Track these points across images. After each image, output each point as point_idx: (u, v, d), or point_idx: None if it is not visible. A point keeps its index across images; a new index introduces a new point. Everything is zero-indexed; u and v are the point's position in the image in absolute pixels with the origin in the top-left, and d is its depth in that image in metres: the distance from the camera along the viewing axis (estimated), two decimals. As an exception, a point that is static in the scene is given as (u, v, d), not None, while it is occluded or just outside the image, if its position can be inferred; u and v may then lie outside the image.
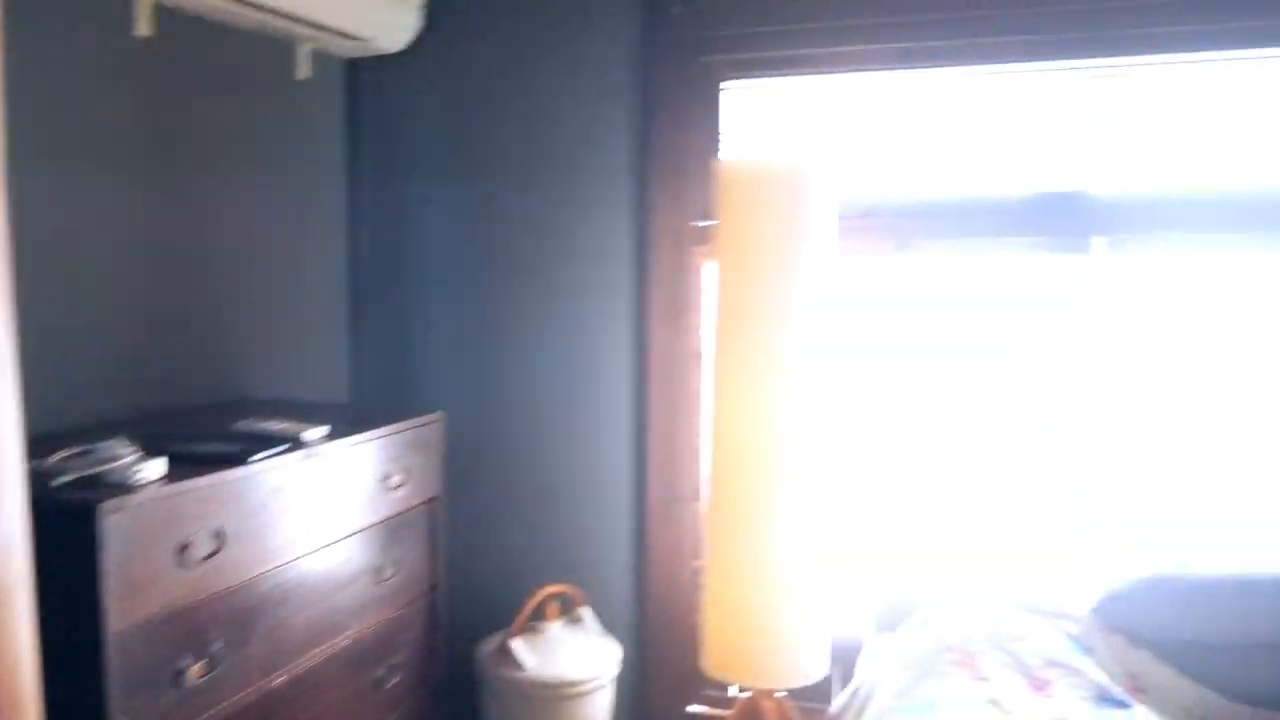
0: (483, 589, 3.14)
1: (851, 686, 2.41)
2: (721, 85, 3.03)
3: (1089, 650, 2.27)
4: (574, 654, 2.86)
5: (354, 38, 2.83)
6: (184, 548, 1.88)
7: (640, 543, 3.12)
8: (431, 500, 2.73)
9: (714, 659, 2.59)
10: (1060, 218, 2.88)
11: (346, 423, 2.45)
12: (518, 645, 2.81)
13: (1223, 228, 2.79)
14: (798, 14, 2.89)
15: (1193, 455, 2.90)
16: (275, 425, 2.29)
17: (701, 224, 3.01)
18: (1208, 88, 2.82)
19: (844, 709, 2.36)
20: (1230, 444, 2.87)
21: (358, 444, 2.40)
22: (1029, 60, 2.85)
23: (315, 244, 3.15)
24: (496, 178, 3.17)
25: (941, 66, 2.90)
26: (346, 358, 3.30)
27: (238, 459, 2.03)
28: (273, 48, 2.87)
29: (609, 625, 3.03)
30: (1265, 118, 2.78)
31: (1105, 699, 2.14)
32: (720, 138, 3.06)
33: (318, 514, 2.26)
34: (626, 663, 3.01)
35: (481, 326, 3.22)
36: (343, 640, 2.38)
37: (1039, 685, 2.16)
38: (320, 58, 3.04)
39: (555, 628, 2.90)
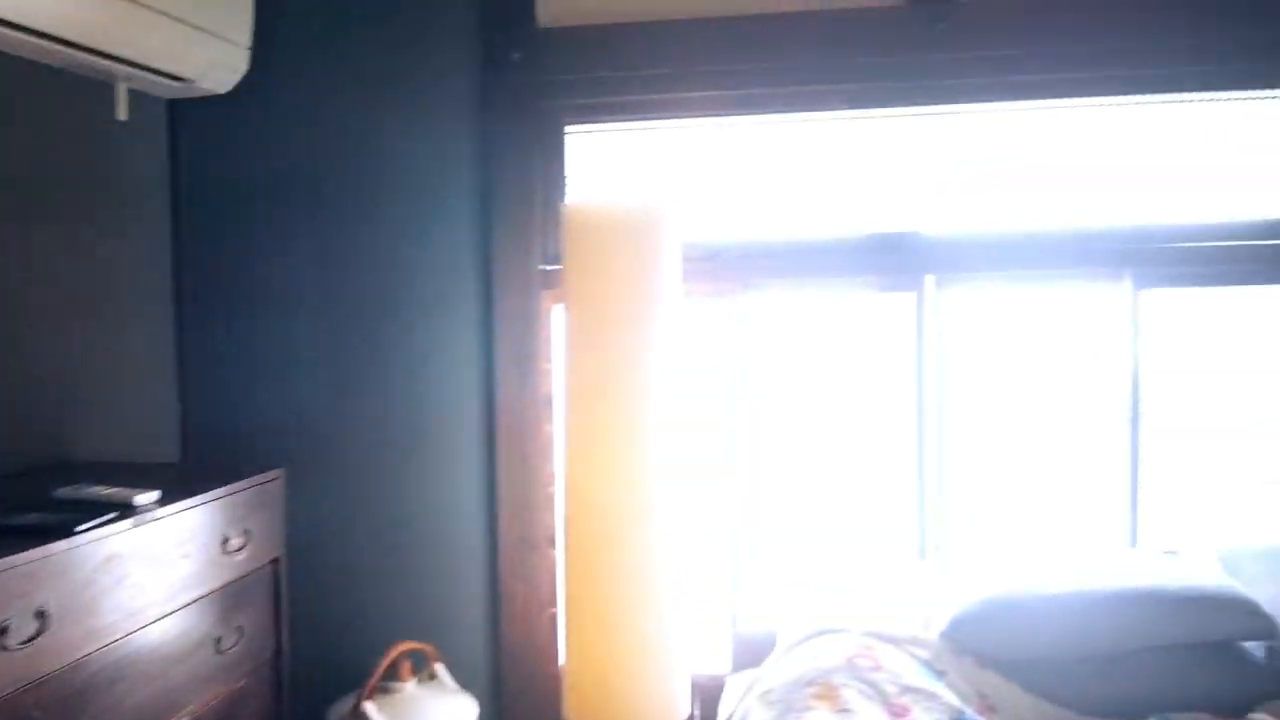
0: (332, 650, 3.00)
1: (716, 727, 2.41)
2: (566, 129, 3.04)
3: (941, 674, 2.34)
4: (429, 714, 2.75)
5: (176, 78, 2.69)
6: (2, 631, 1.71)
7: (494, 593, 3.05)
8: (274, 561, 2.59)
9: (575, 708, 2.55)
10: (893, 257, 3.01)
11: (179, 484, 2.30)
12: (370, 708, 2.69)
13: (1043, 264, 2.98)
14: (636, 61, 2.93)
15: (1023, 476, 3.06)
16: (101, 491, 2.13)
17: (549, 268, 2.99)
18: (1031, 131, 3.00)
19: (709, 750, 2.35)
20: (1059, 464, 3.05)
21: (192, 507, 2.25)
22: (849, 108, 2.98)
23: (138, 293, 2.97)
24: (333, 222, 3.07)
25: (778, 112, 3.00)
26: (175, 413, 3.11)
27: (61, 530, 1.88)
28: (90, 88, 2.70)
29: (465, 681, 2.93)
30: (1081, 161, 2.98)
31: (961, 721, 2.21)
32: (565, 181, 3.06)
33: (151, 585, 2.11)
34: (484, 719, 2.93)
35: (320, 375, 3.10)
36: (181, 719, 2.22)
37: (898, 713, 2.21)
38: (142, 98, 2.88)
39: (409, 687, 2.79)
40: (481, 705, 2.90)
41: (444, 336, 3.04)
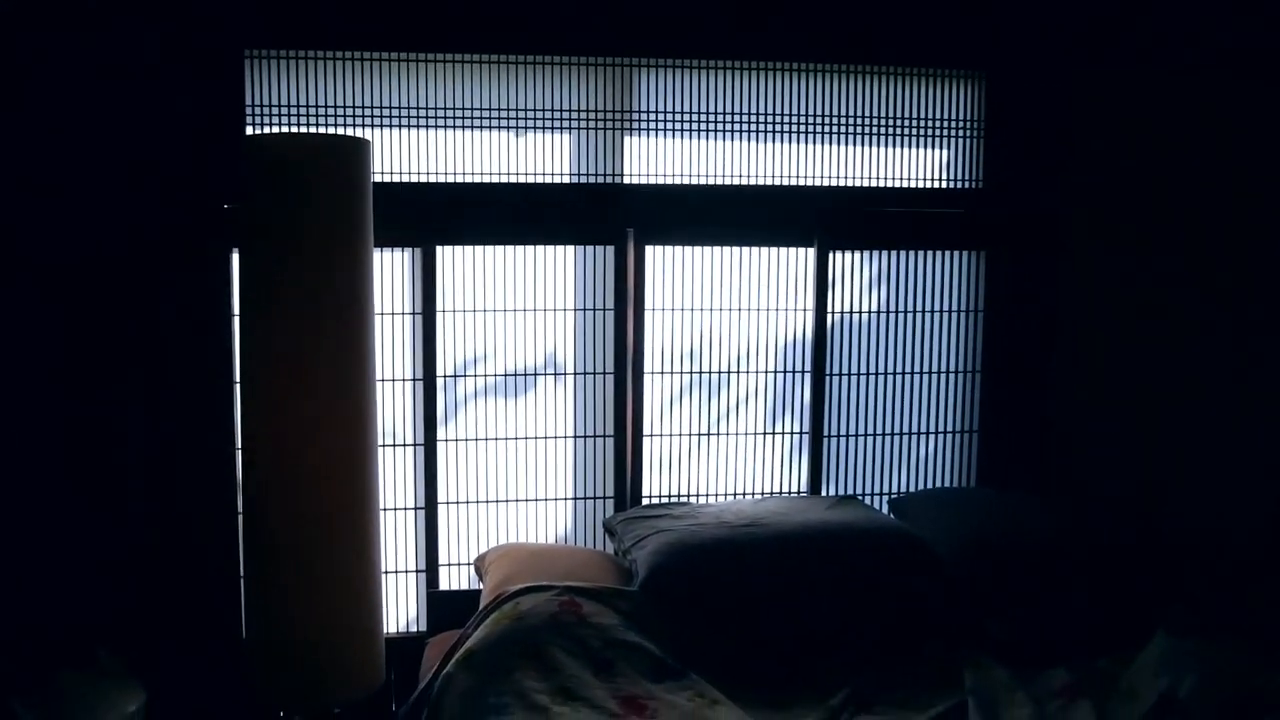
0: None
1: (416, 693, 2.29)
2: (246, 55, 2.75)
3: (641, 626, 2.35)
4: (94, 705, 2.45)
5: None
6: None
7: (162, 562, 2.76)
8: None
9: (262, 681, 2.35)
10: (594, 209, 2.99)
11: None
12: (18, 704, 2.36)
13: (740, 224, 3.06)
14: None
15: (715, 426, 3.15)
16: None
17: (226, 207, 2.72)
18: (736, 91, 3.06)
19: (409, 717, 2.24)
20: (750, 415, 3.16)
21: None
22: (560, 51, 2.92)
23: None
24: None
25: (475, 51, 2.88)
26: None
27: None
28: None
29: (131, 666, 2.63)
30: (779, 125, 3.07)
31: (662, 670, 2.23)
32: (246, 113, 2.78)
33: None
34: (157, 706, 2.64)
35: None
36: None
37: (603, 667, 2.20)
38: None
39: (68, 678, 2.47)
40: (150, 692, 2.62)
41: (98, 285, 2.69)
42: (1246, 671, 2.15)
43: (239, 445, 2.60)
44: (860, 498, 3.12)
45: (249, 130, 2.80)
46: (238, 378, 2.56)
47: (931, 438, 3.28)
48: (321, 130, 2.84)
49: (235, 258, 2.72)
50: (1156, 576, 2.66)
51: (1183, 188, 2.99)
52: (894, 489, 3.26)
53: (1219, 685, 2.10)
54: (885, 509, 3.09)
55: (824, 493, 3.19)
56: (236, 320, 2.67)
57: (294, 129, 2.82)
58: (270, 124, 2.82)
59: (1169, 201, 3.01)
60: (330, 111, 2.86)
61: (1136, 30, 3.02)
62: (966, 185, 3.21)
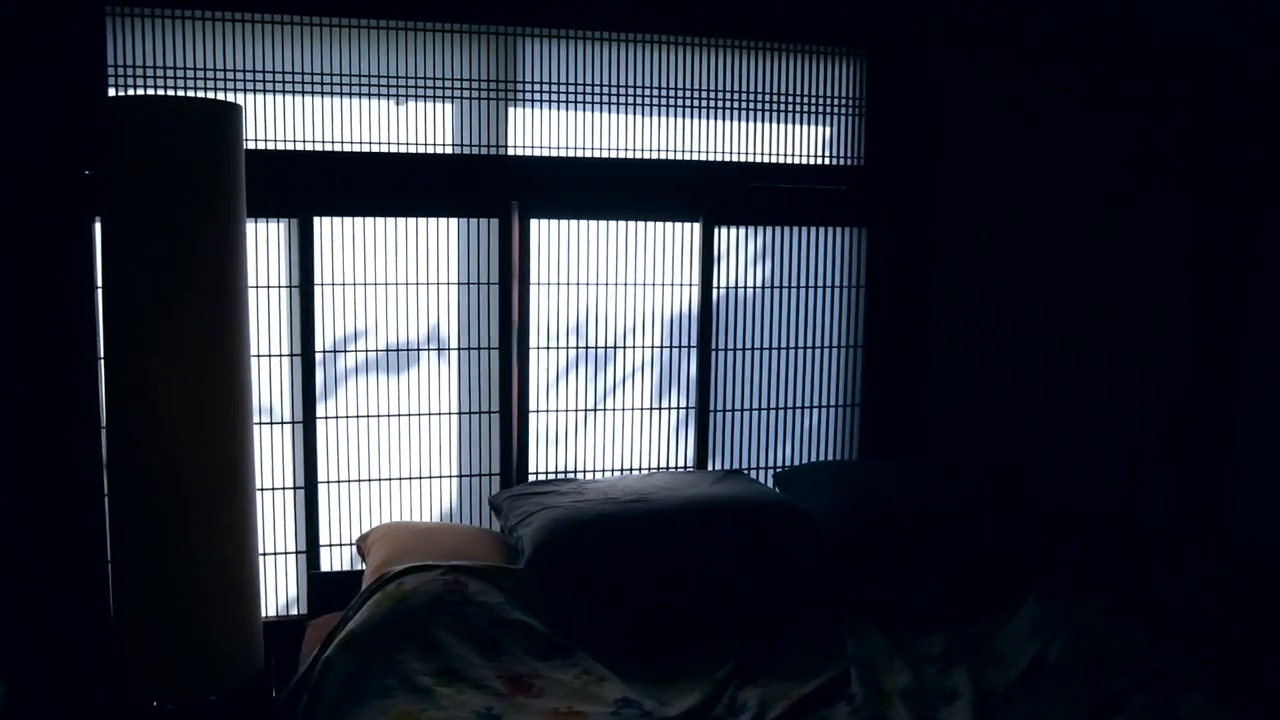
0: None
1: (296, 678, 2.23)
2: (107, 11, 2.60)
3: (527, 604, 2.33)
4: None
5: None
6: None
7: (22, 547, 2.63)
8: None
9: (133, 670, 2.25)
10: (477, 180, 2.93)
11: None
12: None
13: (626, 198, 3.05)
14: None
15: (603, 401, 3.14)
16: None
17: (88, 174, 2.57)
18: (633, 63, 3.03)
19: (290, 702, 2.18)
20: (635, 390, 3.16)
21: None
22: (442, 18, 2.85)
23: None
24: None
25: (348, 15, 2.79)
26: None
27: None
28: None
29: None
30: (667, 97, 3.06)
31: (549, 648, 2.22)
32: (109, 74, 2.63)
33: None
34: (19, 699, 2.52)
35: None
36: None
37: (488, 646, 2.18)
38: None
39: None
40: (11, 685, 2.49)
41: None
42: (1109, 631, 2.25)
43: (104, 425, 2.49)
44: (746, 472, 3.16)
45: (111, 92, 2.65)
46: (102, 354, 2.44)
47: (815, 411, 3.34)
48: (190, 94, 2.71)
49: (98, 228, 2.58)
50: (1026, 541, 2.76)
51: (1047, 168, 3.10)
52: (779, 462, 3.30)
53: (1084, 646, 2.19)
54: (770, 482, 3.13)
55: (710, 467, 3.21)
56: (99, 294, 2.54)
57: (161, 92, 2.69)
58: (135, 87, 2.68)
59: (1036, 179, 3.11)
60: (200, 75, 2.73)
61: (1006, 12, 3.10)
62: (849, 162, 3.26)
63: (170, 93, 2.69)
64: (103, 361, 2.37)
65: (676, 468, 3.21)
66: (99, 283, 2.54)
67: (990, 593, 2.57)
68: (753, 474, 3.19)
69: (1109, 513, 3.20)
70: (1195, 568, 2.78)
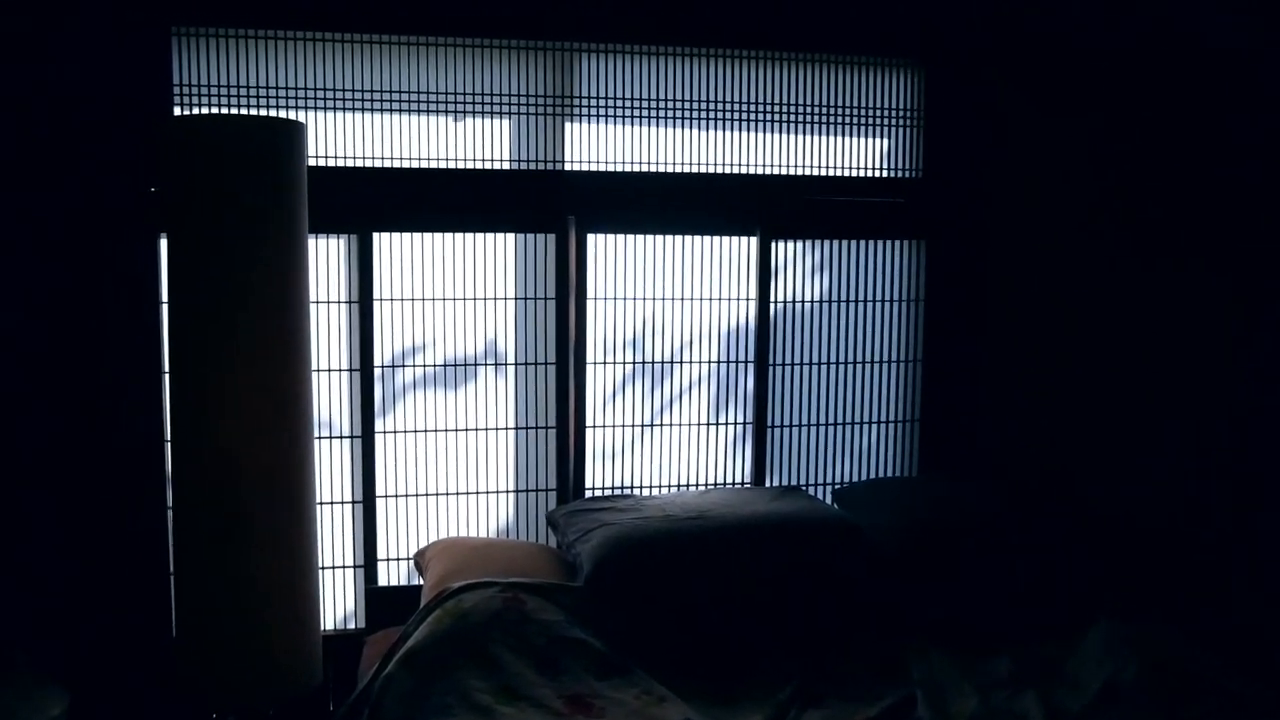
0: None
1: (355, 694, 2.23)
2: (173, 32, 2.64)
3: (586, 622, 2.31)
4: (14, 710, 2.35)
5: None
6: None
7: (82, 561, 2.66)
8: None
9: (193, 682, 2.26)
10: (534, 196, 2.93)
11: None
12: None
13: (682, 212, 3.03)
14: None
15: (661, 416, 3.12)
16: None
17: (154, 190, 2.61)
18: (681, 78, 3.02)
19: (349, 717, 2.17)
20: (693, 404, 3.14)
21: None
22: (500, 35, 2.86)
23: None
24: None
25: (410, 33, 2.80)
26: None
27: None
28: None
29: (54, 669, 2.53)
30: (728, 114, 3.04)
31: (607, 667, 2.19)
32: (174, 92, 2.67)
33: None
34: (82, 710, 2.55)
35: None
36: None
37: (547, 665, 2.16)
38: None
39: (-19, 683, 2.36)
40: (75, 695, 2.52)
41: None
42: (1183, 656, 2.19)
43: (169, 439, 2.51)
44: (804, 488, 3.12)
45: (176, 111, 2.69)
46: (167, 368, 2.47)
47: (874, 427, 3.29)
48: (253, 112, 2.74)
49: (164, 244, 2.61)
50: (1091, 560, 2.69)
51: (1105, 180, 3.03)
52: (837, 478, 3.26)
53: (1159, 671, 2.13)
54: (828, 499, 3.09)
55: (768, 483, 3.18)
56: (165, 308, 2.57)
57: (225, 110, 2.72)
58: (200, 105, 2.72)
59: (1094, 191, 3.05)
60: (263, 93, 2.76)
61: (1060, 21, 3.05)
62: (906, 175, 3.22)
63: (234, 111, 2.72)
64: (167, 375, 2.39)
65: (734, 484, 3.18)
66: (164, 298, 2.57)
67: (1055, 613, 2.50)
68: (810, 490, 3.15)
69: (1171, 531, 3.12)
70: (1267, 591, 2.69)
